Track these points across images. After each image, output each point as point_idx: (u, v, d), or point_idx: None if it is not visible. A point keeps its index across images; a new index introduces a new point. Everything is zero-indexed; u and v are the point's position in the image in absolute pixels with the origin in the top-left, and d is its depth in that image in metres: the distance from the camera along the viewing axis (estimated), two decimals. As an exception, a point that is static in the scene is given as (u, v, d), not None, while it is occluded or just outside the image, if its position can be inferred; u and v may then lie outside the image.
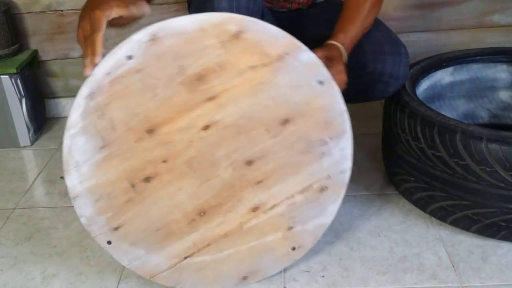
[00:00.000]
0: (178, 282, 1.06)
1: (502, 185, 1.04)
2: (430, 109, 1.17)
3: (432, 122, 1.12)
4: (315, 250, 1.16)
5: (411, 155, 1.18)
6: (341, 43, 1.15)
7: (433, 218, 1.21)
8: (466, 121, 1.50)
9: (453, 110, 1.48)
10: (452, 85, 1.46)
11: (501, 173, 1.03)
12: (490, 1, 1.67)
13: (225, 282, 1.07)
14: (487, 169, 1.04)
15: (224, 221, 1.02)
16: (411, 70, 1.34)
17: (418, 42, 1.71)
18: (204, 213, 1.01)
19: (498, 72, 1.45)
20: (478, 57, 1.43)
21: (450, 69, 1.44)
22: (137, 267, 1.04)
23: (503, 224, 1.09)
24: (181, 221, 1.01)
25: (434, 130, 1.11)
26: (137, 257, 1.03)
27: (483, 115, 1.50)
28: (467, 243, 1.14)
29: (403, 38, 1.72)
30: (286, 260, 1.08)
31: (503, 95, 1.47)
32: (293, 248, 1.07)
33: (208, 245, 1.03)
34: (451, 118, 1.13)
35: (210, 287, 1.07)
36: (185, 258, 1.04)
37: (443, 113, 1.45)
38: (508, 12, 1.68)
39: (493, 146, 1.03)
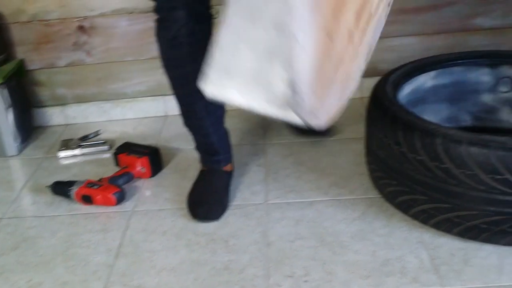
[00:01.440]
0: None
1: (482, 188, 1.05)
2: (411, 113, 1.17)
3: (413, 126, 1.13)
4: (299, 256, 1.16)
5: (393, 159, 1.19)
6: None
7: (415, 221, 1.22)
8: (449, 125, 1.51)
9: (436, 113, 1.49)
10: (435, 88, 1.47)
11: (481, 176, 1.04)
12: (473, 5, 1.69)
13: None
14: (467, 172, 1.05)
15: None
16: (393, 75, 1.35)
17: (402, 46, 1.72)
18: None
19: (481, 75, 1.46)
20: (460, 61, 1.44)
21: (432, 73, 1.45)
22: None
23: (484, 226, 1.09)
24: None
25: (415, 134, 1.12)
26: None
27: (467, 118, 1.51)
28: (449, 246, 1.14)
29: (387, 42, 1.75)
30: None
31: (486, 98, 1.48)
32: None
33: None
34: (431, 122, 1.14)
35: None
36: None
37: (426, 117, 1.46)
38: (491, 15, 1.70)
39: (473, 150, 1.04)
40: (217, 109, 1.35)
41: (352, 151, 1.52)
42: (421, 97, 1.46)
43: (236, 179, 1.45)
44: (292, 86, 0.92)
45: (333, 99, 1.00)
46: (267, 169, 1.49)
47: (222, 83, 0.99)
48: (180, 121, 1.36)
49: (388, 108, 1.20)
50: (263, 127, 1.71)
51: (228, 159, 1.41)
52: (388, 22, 1.70)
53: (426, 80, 1.45)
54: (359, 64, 1.04)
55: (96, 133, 1.77)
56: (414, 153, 1.12)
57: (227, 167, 1.41)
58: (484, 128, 1.50)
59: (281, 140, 1.63)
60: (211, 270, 1.15)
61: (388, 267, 1.11)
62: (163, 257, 1.20)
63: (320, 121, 0.99)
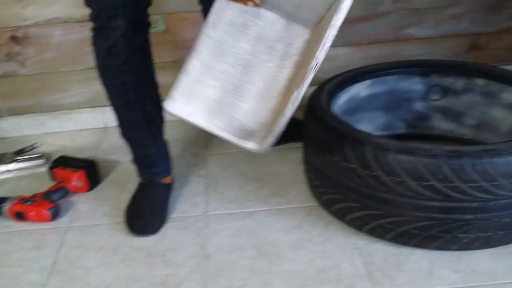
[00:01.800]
0: None
1: (411, 194, 1.08)
2: (343, 122, 1.20)
3: (344, 135, 1.15)
4: (237, 267, 1.16)
5: (328, 167, 1.21)
6: None
7: (351, 228, 1.24)
8: (385, 132, 1.55)
9: (372, 121, 1.53)
10: (370, 97, 1.50)
11: (409, 183, 1.07)
12: (406, 15, 1.74)
13: None
14: (396, 179, 1.08)
15: None
16: (328, 85, 1.37)
17: (339, 57, 1.75)
18: None
19: (413, 84, 1.51)
20: (393, 70, 1.49)
21: (367, 82, 1.48)
22: None
23: (414, 231, 1.13)
24: None
25: (346, 143, 1.14)
26: None
27: (401, 126, 1.56)
28: (383, 252, 1.17)
29: (325, 52, 1.78)
30: None
31: (419, 105, 1.53)
32: None
33: None
34: (362, 131, 1.16)
35: None
36: None
37: (363, 125, 1.50)
38: (423, 25, 1.76)
39: (401, 157, 1.07)
40: (156, 119, 1.33)
41: (291, 160, 1.53)
42: (357, 106, 1.49)
43: (176, 190, 1.44)
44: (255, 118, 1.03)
45: (279, 124, 1.05)
46: (208, 180, 1.49)
47: (185, 104, 1.08)
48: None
49: (322, 118, 1.22)
50: (205, 137, 1.71)
51: (167, 171, 1.40)
52: (325, 32, 1.74)
53: (361, 89, 1.48)
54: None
55: (32, 147, 1.71)
56: (346, 161, 1.14)
57: (167, 179, 1.39)
58: (418, 135, 1.56)
59: (222, 150, 1.63)
60: (148, 285, 1.13)
61: (324, 275, 1.12)
62: (98, 273, 1.17)
63: (268, 144, 1.08)
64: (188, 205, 1.38)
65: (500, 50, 1.80)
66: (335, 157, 1.17)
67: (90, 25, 1.20)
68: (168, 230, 1.29)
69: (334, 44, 1.74)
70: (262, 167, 1.53)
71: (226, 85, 1.08)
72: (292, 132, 1.53)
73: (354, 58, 1.73)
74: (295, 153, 1.56)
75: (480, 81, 1.44)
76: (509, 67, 1.62)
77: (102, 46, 1.20)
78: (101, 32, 1.19)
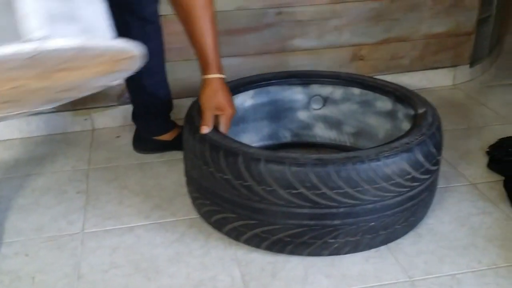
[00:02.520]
0: None
1: (282, 202, 1.10)
2: (217, 133, 1.20)
3: (218, 146, 1.15)
4: (111, 286, 1.12)
5: (204, 178, 1.20)
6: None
7: (230, 239, 1.23)
8: (271, 142, 1.57)
9: (258, 131, 1.55)
10: (254, 107, 1.52)
11: (280, 191, 1.09)
12: (290, 27, 1.78)
13: None
14: (268, 188, 1.09)
15: None
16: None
17: (228, 67, 1.75)
18: None
19: (294, 94, 1.54)
20: (274, 81, 1.51)
21: (250, 92, 1.49)
22: None
23: (288, 239, 1.14)
24: None
25: (220, 153, 1.14)
26: None
27: (286, 135, 1.59)
28: (260, 261, 1.17)
29: (213, 63, 1.78)
30: None
31: (302, 115, 1.57)
32: None
33: None
34: (235, 141, 1.17)
35: None
36: None
37: (248, 135, 1.51)
38: (307, 36, 1.81)
39: (271, 167, 1.09)
40: None
41: (178, 172, 1.51)
42: (242, 116, 1.50)
43: (52, 208, 1.37)
44: None
45: None
46: (88, 196, 1.43)
47: None
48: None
49: (197, 129, 1.21)
50: (88, 151, 1.64)
51: None
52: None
53: (245, 99, 1.49)
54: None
55: None
56: (220, 172, 1.14)
57: None
58: (302, 143, 1.59)
59: (106, 164, 1.57)
60: (12, 311, 1.06)
61: (200, 288, 1.11)
62: (-43, 302, 1.09)
63: None
64: (64, 223, 1.31)
65: (379, 60, 1.89)
66: (210, 168, 1.16)
67: None
68: (40, 251, 1.22)
69: (225, 55, 1.75)
70: (146, 179, 1.50)
71: None
72: (178, 141, 1.51)
73: (244, 68, 1.74)
74: (181, 165, 1.54)
75: (356, 91, 1.50)
76: (386, 77, 1.70)
77: None
78: None
